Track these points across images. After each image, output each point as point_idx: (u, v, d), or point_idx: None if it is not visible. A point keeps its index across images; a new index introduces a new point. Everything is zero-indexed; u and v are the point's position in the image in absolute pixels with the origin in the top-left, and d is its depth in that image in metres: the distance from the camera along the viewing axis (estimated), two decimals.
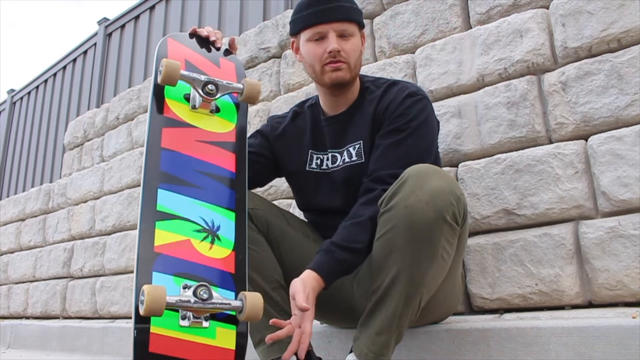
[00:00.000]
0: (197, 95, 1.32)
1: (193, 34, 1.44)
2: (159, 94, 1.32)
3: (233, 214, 1.26)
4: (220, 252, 1.20)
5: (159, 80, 1.28)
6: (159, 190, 1.21)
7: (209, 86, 1.31)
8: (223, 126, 1.35)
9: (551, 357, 1.26)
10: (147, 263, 1.12)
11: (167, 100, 1.32)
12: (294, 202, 2.32)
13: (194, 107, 1.33)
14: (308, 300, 1.15)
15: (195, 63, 1.39)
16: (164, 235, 1.17)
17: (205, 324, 1.12)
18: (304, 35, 1.45)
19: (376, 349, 1.16)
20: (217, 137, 1.33)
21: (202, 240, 1.20)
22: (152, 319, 1.07)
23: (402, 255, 1.14)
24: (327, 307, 1.50)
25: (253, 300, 1.11)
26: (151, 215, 1.18)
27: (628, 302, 1.48)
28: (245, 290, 1.17)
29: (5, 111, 6.74)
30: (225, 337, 1.13)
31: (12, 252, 4.56)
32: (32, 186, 5.57)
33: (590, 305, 1.55)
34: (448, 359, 1.42)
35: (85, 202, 3.80)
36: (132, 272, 3.14)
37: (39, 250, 4.16)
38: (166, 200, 1.21)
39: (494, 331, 1.37)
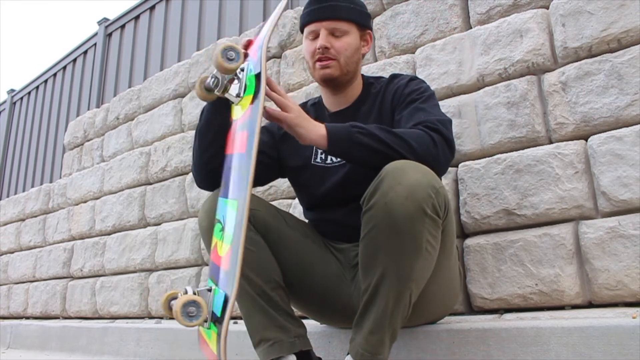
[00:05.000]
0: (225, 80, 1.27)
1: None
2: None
3: (235, 203, 1.15)
4: (224, 249, 1.16)
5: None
6: (219, 198, 1.28)
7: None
8: (244, 106, 1.25)
9: (551, 357, 1.26)
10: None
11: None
12: (293, 202, 2.32)
13: (238, 96, 1.26)
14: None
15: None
16: (213, 242, 1.25)
17: (206, 325, 1.10)
18: (304, 33, 1.52)
19: (371, 348, 1.16)
20: (240, 121, 1.26)
21: (221, 239, 1.20)
22: None
23: (387, 253, 1.15)
24: (326, 307, 1.50)
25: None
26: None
27: (628, 302, 1.48)
28: (233, 289, 1.04)
29: (5, 111, 6.75)
30: (214, 338, 1.12)
31: (12, 252, 4.56)
32: (32, 186, 5.57)
33: (590, 305, 1.55)
34: (448, 359, 1.42)
35: (85, 202, 3.80)
36: (131, 272, 3.14)
37: (39, 250, 4.16)
38: (218, 206, 1.27)
39: (494, 331, 1.37)
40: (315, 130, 1.27)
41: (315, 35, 1.48)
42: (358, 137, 1.25)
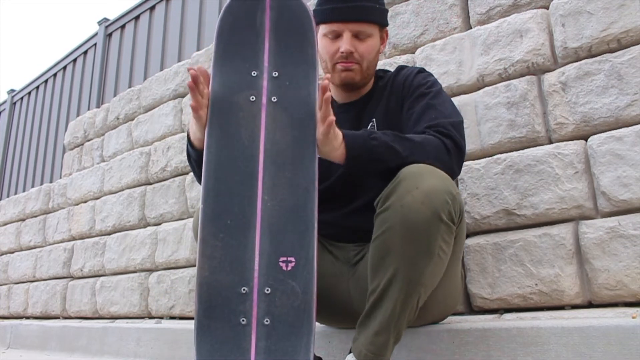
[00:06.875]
0: None
1: None
2: None
3: None
4: None
5: None
6: None
7: None
8: None
9: (551, 357, 1.26)
10: None
11: None
12: None
13: None
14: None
15: None
16: None
17: None
18: (321, 29, 1.46)
19: (375, 349, 1.16)
20: None
21: None
22: None
23: (399, 256, 1.14)
24: (324, 308, 1.50)
25: None
26: None
27: (628, 302, 1.48)
28: None
29: (5, 111, 6.75)
30: None
31: (12, 252, 4.56)
32: (32, 186, 5.57)
33: (590, 305, 1.56)
34: (448, 359, 1.42)
35: (85, 202, 3.80)
36: (132, 272, 3.14)
37: (39, 250, 4.16)
38: None
39: (494, 331, 1.37)
40: (334, 153, 1.22)
41: (337, 35, 1.42)
42: (376, 152, 1.22)
